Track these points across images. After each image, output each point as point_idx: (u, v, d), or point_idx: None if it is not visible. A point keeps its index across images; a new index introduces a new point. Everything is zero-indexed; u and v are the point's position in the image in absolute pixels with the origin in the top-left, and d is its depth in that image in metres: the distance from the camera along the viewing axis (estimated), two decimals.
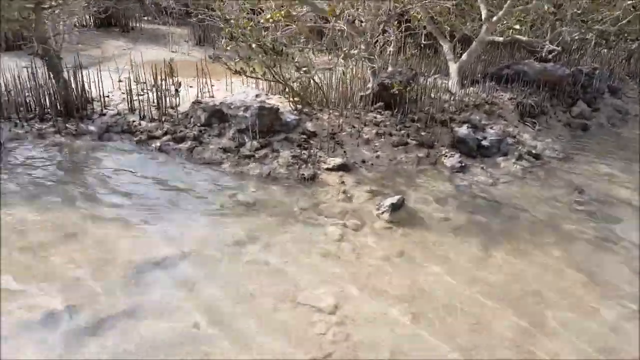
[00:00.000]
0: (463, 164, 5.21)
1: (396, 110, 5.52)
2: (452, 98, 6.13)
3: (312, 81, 5.32)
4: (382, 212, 4.06)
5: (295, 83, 5.30)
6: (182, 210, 3.97)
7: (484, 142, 5.59)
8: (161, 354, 2.59)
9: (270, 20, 4.36)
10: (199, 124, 5.20)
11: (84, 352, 2.56)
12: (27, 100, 5.27)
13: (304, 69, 5.00)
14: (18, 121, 5.06)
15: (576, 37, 6.94)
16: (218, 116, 5.17)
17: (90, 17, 9.66)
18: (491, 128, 5.86)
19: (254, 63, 5.17)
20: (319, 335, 2.80)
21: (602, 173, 5.53)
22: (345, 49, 4.94)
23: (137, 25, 10.26)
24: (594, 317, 3.14)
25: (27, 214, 3.70)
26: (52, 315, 2.77)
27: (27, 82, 5.22)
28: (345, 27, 4.79)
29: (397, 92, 5.33)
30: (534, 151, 5.73)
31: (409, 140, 5.33)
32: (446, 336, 2.86)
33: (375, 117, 5.50)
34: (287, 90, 5.25)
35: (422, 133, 5.43)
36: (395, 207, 4.09)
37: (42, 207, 3.81)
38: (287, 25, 4.91)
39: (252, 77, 5.13)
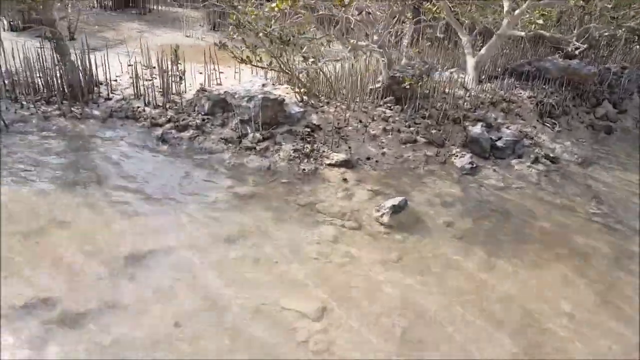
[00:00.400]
0: (474, 165, 4.85)
1: (407, 105, 5.17)
2: (467, 94, 5.72)
3: (319, 72, 5.01)
4: (382, 215, 3.78)
5: (302, 74, 5.00)
6: (175, 202, 3.78)
7: (498, 143, 5.20)
8: (133, 354, 2.41)
9: (276, 8, 4.05)
10: (202, 113, 4.97)
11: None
12: (36, 82, 5.14)
13: (312, 59, 4.68)
14: (25, 103, 4.94)
15: (605, 34, 6.38)
16: (222, 105, 4.93)
17: None
18: (507, 128, 5.46)
19: (261, 52, 4.88)
20: (300, 344, 2.57)
21: (624, 181, 5.09)
22: (353, 40, 4.59)
23: (155, 7, 10.07)
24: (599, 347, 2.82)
25: (17, 197, 3.57)
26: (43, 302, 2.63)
27: (36, 64, 5.08)
28: (353, 18, 4.43)
29: (408, 86, 4.97)
30: (551, 154, 5.31)
31: (418, 137, 4.99)
32: None
33: (384, 112, 5.16)
34: (293, 81, 4.96)
35: (433, 131, 5.07)
36: (396, 210, 3.80)
37: (35, 192, 3.67)
38: (297, 13, 4.59)
39: (257, 67, 4.85)
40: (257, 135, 4.67)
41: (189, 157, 4.48)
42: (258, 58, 4.85)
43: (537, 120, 5.85)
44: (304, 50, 4.69)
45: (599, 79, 6.60)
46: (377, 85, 5.28)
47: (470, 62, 6.16)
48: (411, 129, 5.03)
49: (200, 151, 4.59)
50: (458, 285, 3.19)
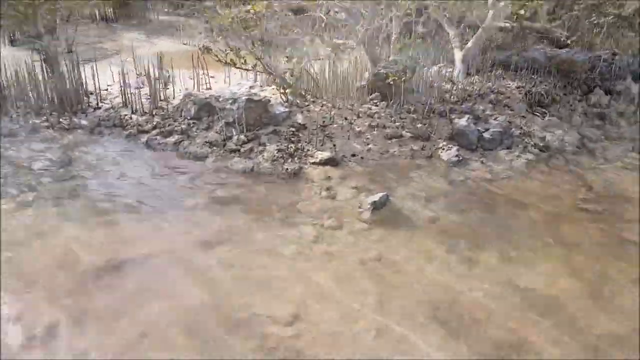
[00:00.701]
0: (460, 158, 4.70)
1: (392, 101, 5.04)
2: (454, 88, 5.57)
3: (304, 72, 4.91)
4: (363, 211, 3.66)
5: (286, 74, 4.90)
6: (154, 208, 3.69)
7: (486, 135, 5.03)
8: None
9: (252, 10, 3.95)
10: (188, 117, 4.90)
11: None
12: (26, 95, 5.12)
13: (294, 59, 4.58)
14: (15, 116, 4.93)
15: (595, 22, 6.17)
16: (207, 109, 4.86)
17: (109, 9, 9.54)
18: (495, 119, 5.28)
19: (245, 54, 4.80)
20: (270, 349, 2.46)
21: (616, 168, 4.89)
22: (334, 39, 4.48)
23: (155, 17, 10.08)
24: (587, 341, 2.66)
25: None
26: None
27: (27, 77, 5.07)
28: (326, 17, 4.32)
29: (392, 82, 4.84)
30: (541, 143, 5.13)
31: (404, 132, 4.86)
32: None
33: (370, 109, 5.04)
34: (276, 81, 4.86)
35: (419, 125, 4.93)
36: (377, 206, 3.68)
37: (18, 204, 3.62)
38: (276, 14, 4.49)
39: (241, 69, 4.77)
40: (242, 137, 4.58)
41: (172, 163, 4.41)
42: (242, 60, 4.77)
43: (527, 110, 5.67)
44: (287, 50, 4.59)
45: (589, 66, 6.38)
46: (363, 82, 5.16)
47: (458, 55, 6.00)
48: (396, 124, 4.90)
49: (184, 156, 4.51)
50: (438, 281, 3.05)
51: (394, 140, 4.79)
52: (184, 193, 3.93)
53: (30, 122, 4.85)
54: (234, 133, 4.64)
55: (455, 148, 4.79)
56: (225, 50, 4.85)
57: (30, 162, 4.23)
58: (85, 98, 5.29)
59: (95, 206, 3.66)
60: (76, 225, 3.39)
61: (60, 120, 4.91)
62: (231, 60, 4.71)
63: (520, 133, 5.24)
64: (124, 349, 2.41)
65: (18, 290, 2.77)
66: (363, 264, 3.18)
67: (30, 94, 5.10)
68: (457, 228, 3.66)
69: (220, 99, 4.74)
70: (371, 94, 5.16)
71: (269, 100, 4.75)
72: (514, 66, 6.08)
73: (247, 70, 4.81)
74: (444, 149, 4.79)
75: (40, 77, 5.08)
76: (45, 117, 4.91)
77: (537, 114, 5.65)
